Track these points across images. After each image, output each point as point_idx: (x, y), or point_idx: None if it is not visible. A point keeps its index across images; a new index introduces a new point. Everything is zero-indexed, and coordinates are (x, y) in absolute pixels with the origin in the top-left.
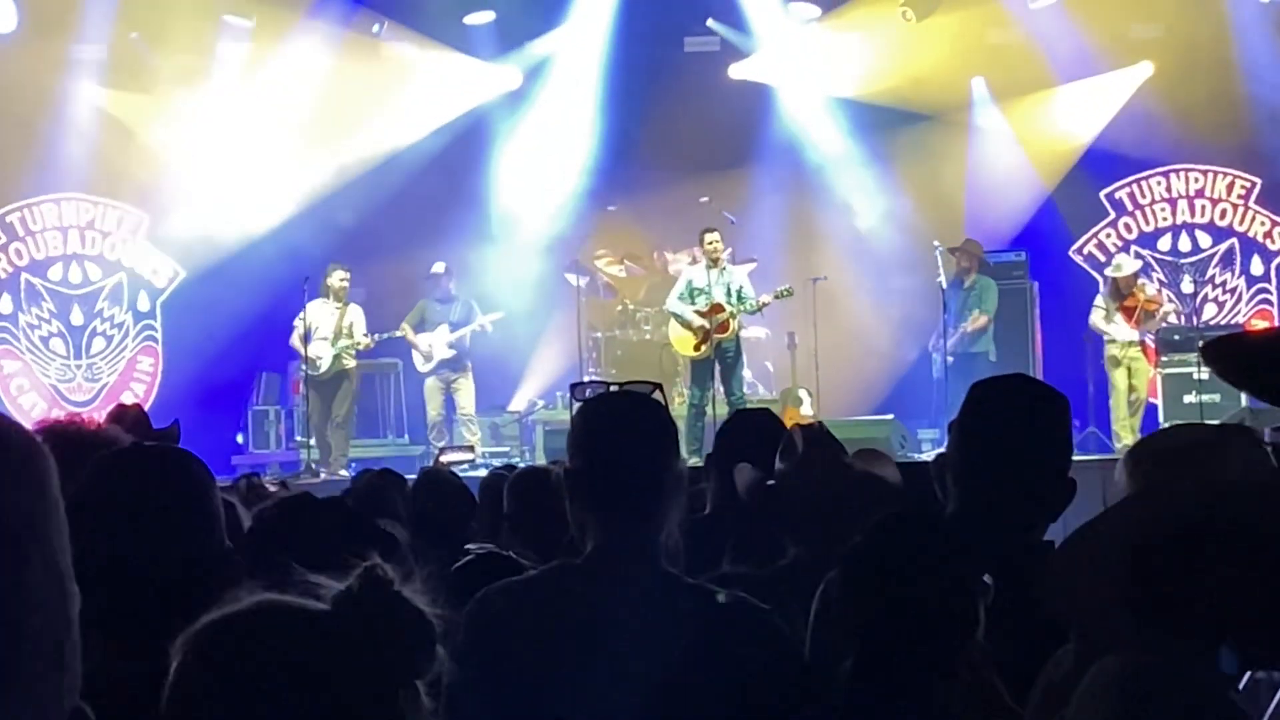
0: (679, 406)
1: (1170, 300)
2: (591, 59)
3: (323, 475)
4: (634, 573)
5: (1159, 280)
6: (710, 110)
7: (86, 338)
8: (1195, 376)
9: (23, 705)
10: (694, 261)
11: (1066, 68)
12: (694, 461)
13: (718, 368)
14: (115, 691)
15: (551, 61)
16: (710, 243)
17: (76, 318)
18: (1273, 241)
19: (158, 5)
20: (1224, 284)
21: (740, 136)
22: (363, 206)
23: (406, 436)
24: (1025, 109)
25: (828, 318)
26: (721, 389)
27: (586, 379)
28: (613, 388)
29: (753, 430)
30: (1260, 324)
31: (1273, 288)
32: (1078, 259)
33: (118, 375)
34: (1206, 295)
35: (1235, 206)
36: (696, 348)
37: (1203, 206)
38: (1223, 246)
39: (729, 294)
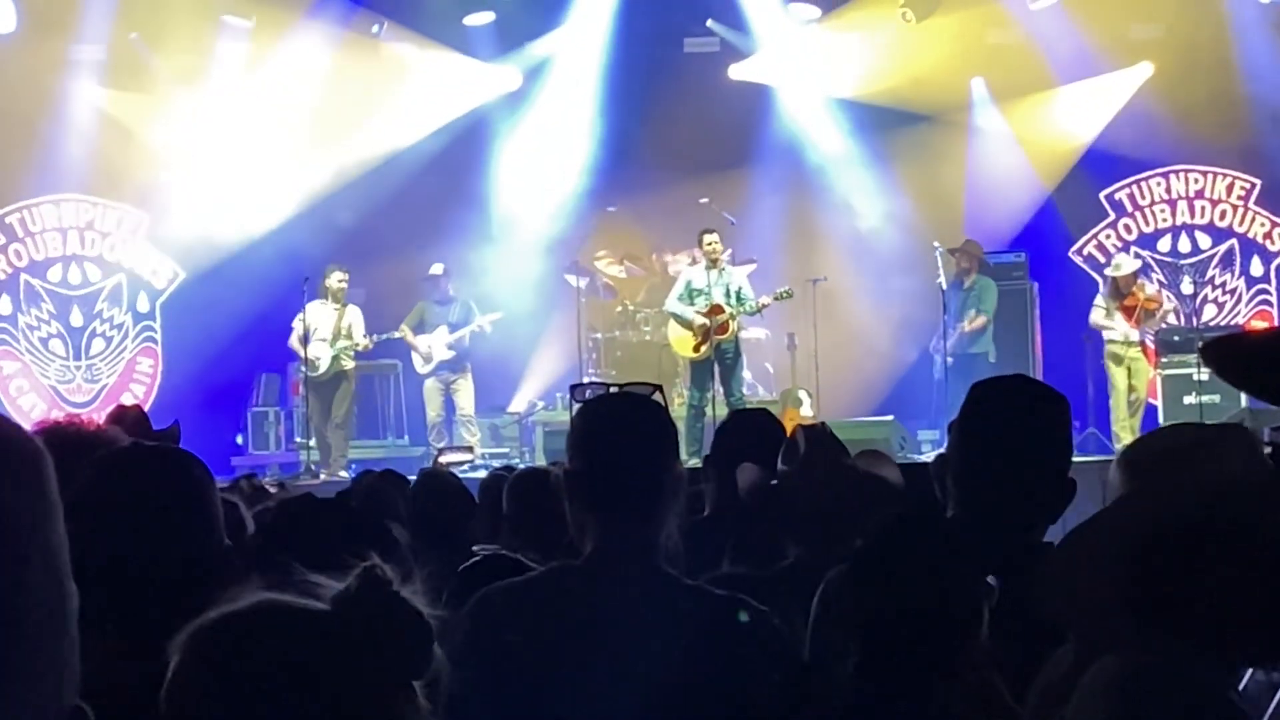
0: (678, 408)
1: (1170, 299)
2: (591, 60)
3: (322, 476)
4: (633, 574)
5: (1159, 281)
6: (710, 111)
7: (86, 339)
8: (1195, 377)
9: (22, 703)
10: (694, 262)
11: (1066, 68)
12: (693, 463)
13: (717, 369)
14: (115, 691)
15: (551, 62)
16: (709, 244)
17: (76, 319)
18: (1272, 242)
19: (157, 6)
20: (1224, 285)
21: (740, 137)
22: (362, 207)
23: (406, 437)
24: (1025, 110)
25: (827, 318)
26: (721, 390)
27: (586, 380)
28: (612, 389)
29: (751, 431)
30: (1260, 324)
31: (1272, 289)
32: (1077, 260)
33: (117, 376)
34: (1206, 296)
35: (1235, 207)
36: (696, 349)
37: (1203, 207)
38: (1222, 247)
39: (728, 295)
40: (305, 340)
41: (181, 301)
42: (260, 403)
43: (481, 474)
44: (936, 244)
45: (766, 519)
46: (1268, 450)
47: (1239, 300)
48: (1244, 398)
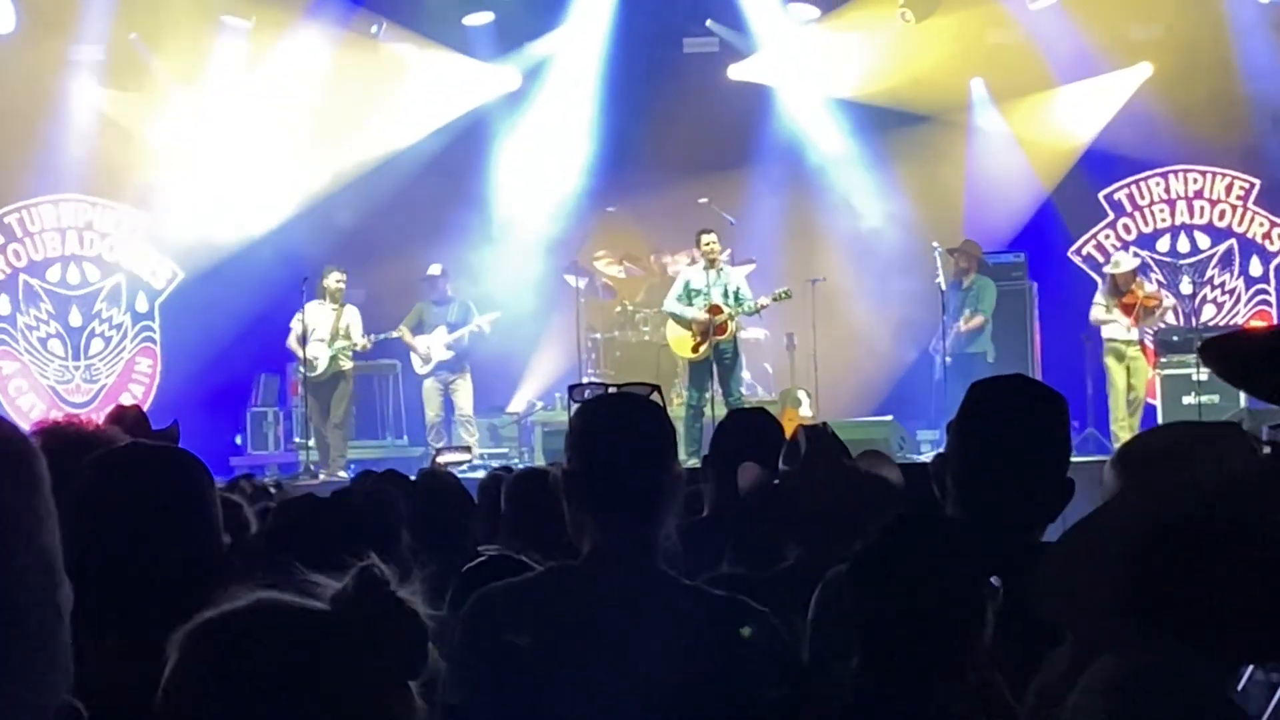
0: (677, 408)
1: (1169, 297)
2: (590, 60)
3: (321, 476)
4: (632, 574)
5: (1157, 281)
6: (709, 111)
7: (85, 339)
8: (1194, 378)
9: (19, 700)
10: (693, 262)
11: (1066, 68)
12: (692, 463)
13: (715, 369)
14: (114, 691)
15: (550, 62)
16: (707, 244)
17: (75, 319)
18: (1271, 242)
19: (156, 6)
20: (1223, 285)
21: (739, 137)
22: (362, 208)
23: (405, 438)
24: (1024, 110)
25: (827, 319)
26: (720, 390)
27: (585, 380)
28: (611, 389)
29: (750, 431)
30: (1259, 324)
31: (1271, 289)
32: (1077, 260)
33: (116, 376)
34: (1205, 296)
35: (1234, 207)
36: (694, 349)
37: (1201, 207)
38: (1221, 247)
39: (726, 295)
40: (303, 341)
41: (180, 302)
42: (259, 403)
43: (480, 474)
44: (936, 244)
45: (767, 519)
46: (1267, 449)
47: (1238, 300)
48: (1243, 397)
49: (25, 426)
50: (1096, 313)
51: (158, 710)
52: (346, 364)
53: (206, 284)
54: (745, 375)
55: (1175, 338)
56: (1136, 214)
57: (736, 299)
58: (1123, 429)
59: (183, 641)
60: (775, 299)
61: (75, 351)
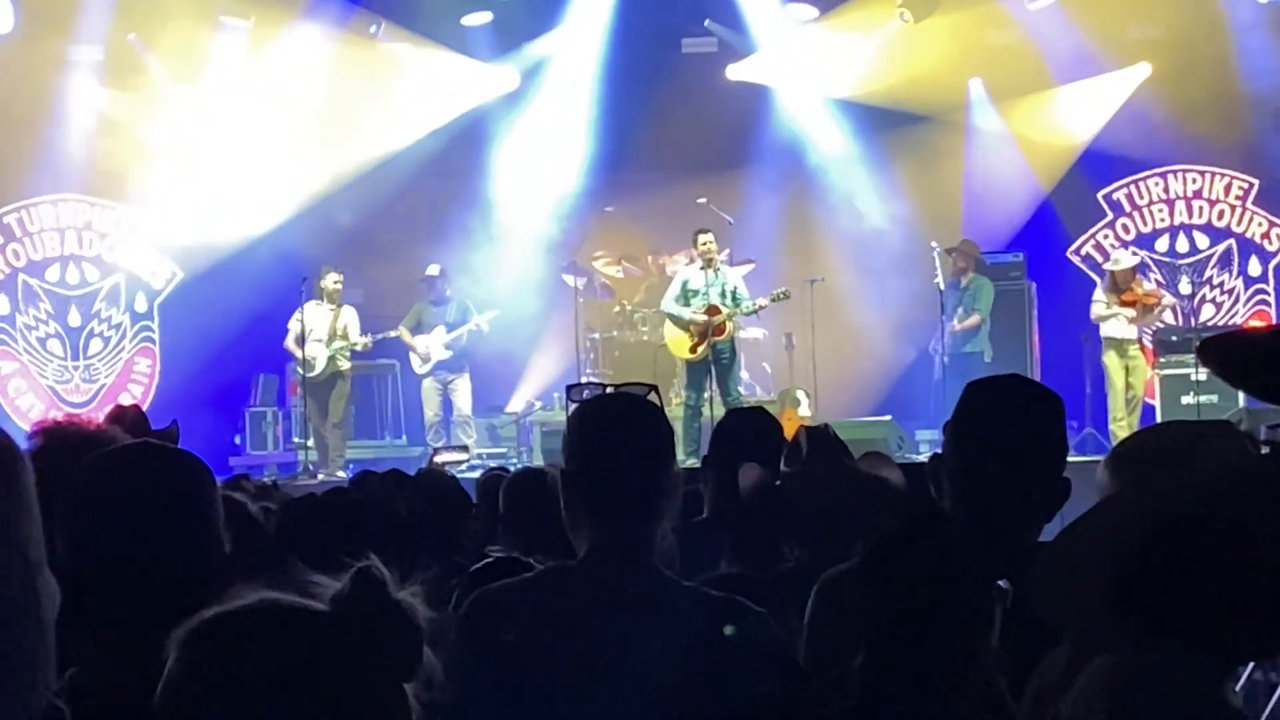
0: (675, 408)
1: (1168, 295)
2: (589, 60)
3: (320, 476)
4: (629, 575)
5: (1156, 281)
6: (708, 111)
7: (84, 339)
8: (1193, 377)
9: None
10: (690, 262)
11: (1064, 68)
12: (690, 463)
13: (713, 369)
14: (113, 691)
15: (549, 62)
16: (704, 244)
17: (74, 319)
18: (1270, 242)
19: (155, 6)
20: (1222, 285)
21: (738, 137)
22: (360, 208)
23: (404, 437)
24: (1023, 110)
25: (826, 319)
26: (718, 390)
27: (584, 380)
28: (609, 389)
29: (749, 431)
30: (1257, 324)
31: (1270, 288)
32: (1075, 260)
33: (115, 376)
34: (1204, 296)
35: (1233, 207)
36: (692, 349)
37: (1200, 207)
38: (1220, 247)
39: (724, 295)
40: (301, 341)
41: (179, 302)
42: (258, 403)
43: (476, 474)
44: (934, 244)
45: (768, 520)
46: (1265, 449)
47: (1237, 300)
48: (1242, 397)
49: (25, 426)
50: (1097, 309)
51: (156, 709)
52: (344, 364)
53: (205, 284)
54: (744, 375)
55: (1174, 337)
56: (1135, 214)
57: (734, 299)
58: (1121, 428)
59: (181, 640)
60: (774, 300)
61: (74, 351)
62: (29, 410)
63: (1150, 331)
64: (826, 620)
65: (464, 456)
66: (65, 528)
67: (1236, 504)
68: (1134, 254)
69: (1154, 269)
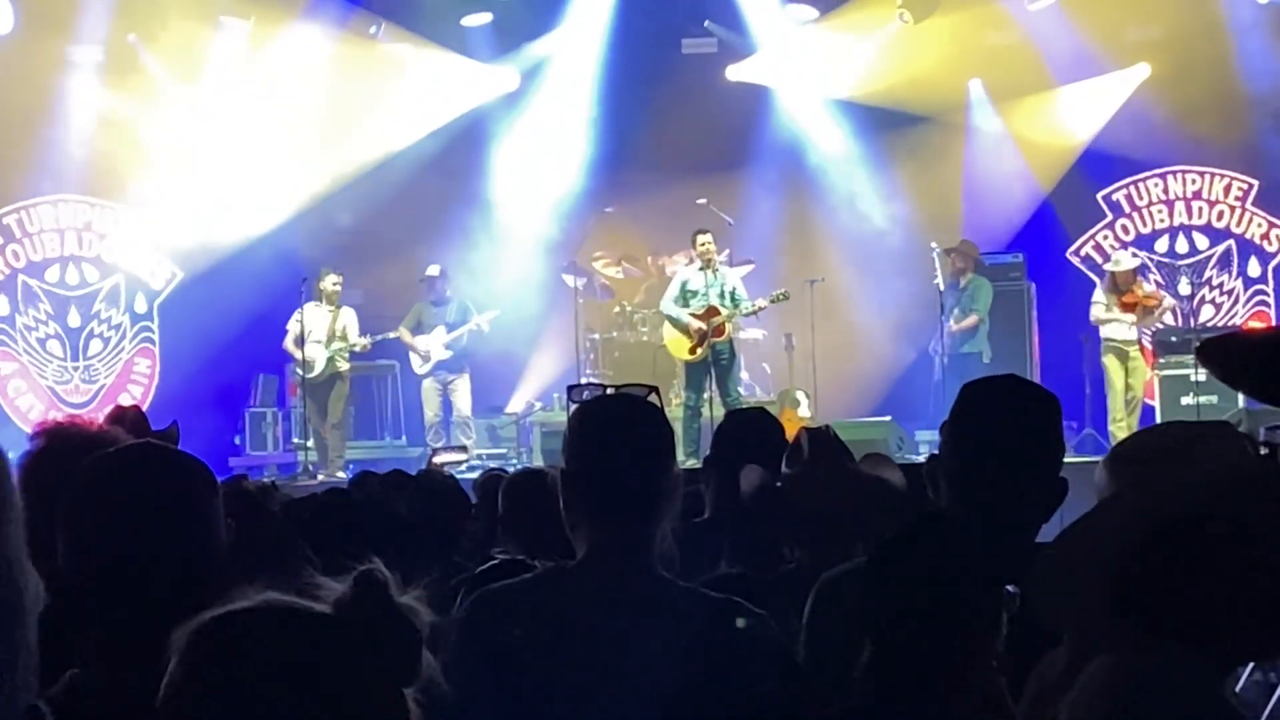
0: (675, 408)
1: (1168, 297)
2: (589, 60)
3: (320, 477)
4: (628, 576)
5: (1155, 282)
6: (708, 112)
7: (84, 339)
8: (1192, 378)
9: None
10: (690, 262)
11: (1064, 69)
12: (690, 464)
13: (712, 370)
14: (114, 691)
15: (549, 63)
16: (703, 244)
17: (74, 319)
18: (1270, 243)
19: (155, 6)
20: (1221, 286)
21: (738, 138)
22: (360, 208)
23: (404, 438)
24: (1023, 110)
25: (825, 319)
26: (717, 391)
27: (584, 381)
28: (609, 390)
29: (751, 432)
30: (1257, 325)
31: (1270, 289)
32: (1075, 261)
33: (115, 377)
34: (1204, 297)
35: (1233, 208)
36: (692, 350)
37: (1200, 208)
38: (1220, 248)
39: (723, 296)
40: (301, 342)
41: (179, 302)
42: (258, 403)
43: (475, 475)
44: (934, 244)
45: (769, 521)
46: (1264, 450)
47: (1236, 301)
48: (1241, 398)
49: (25, 427)
50: (1097, 311)
51: (159, 709)
52: (343, 365)
53: (205, 285)
54: (744, 376)
55: (1173, 338)
56: (1135, 214)
57: (733, 300)
58: (1121, 429)
59: (184, 641)
60: (773, 301)
61: (74, 352)
62: (29, 411)
63: (1150, 332)
64: (826, 620)
65: (463, 457)
66: (65, 528)
67: (1236, 505)
68: (1134, 255)
69: (1153, 270)
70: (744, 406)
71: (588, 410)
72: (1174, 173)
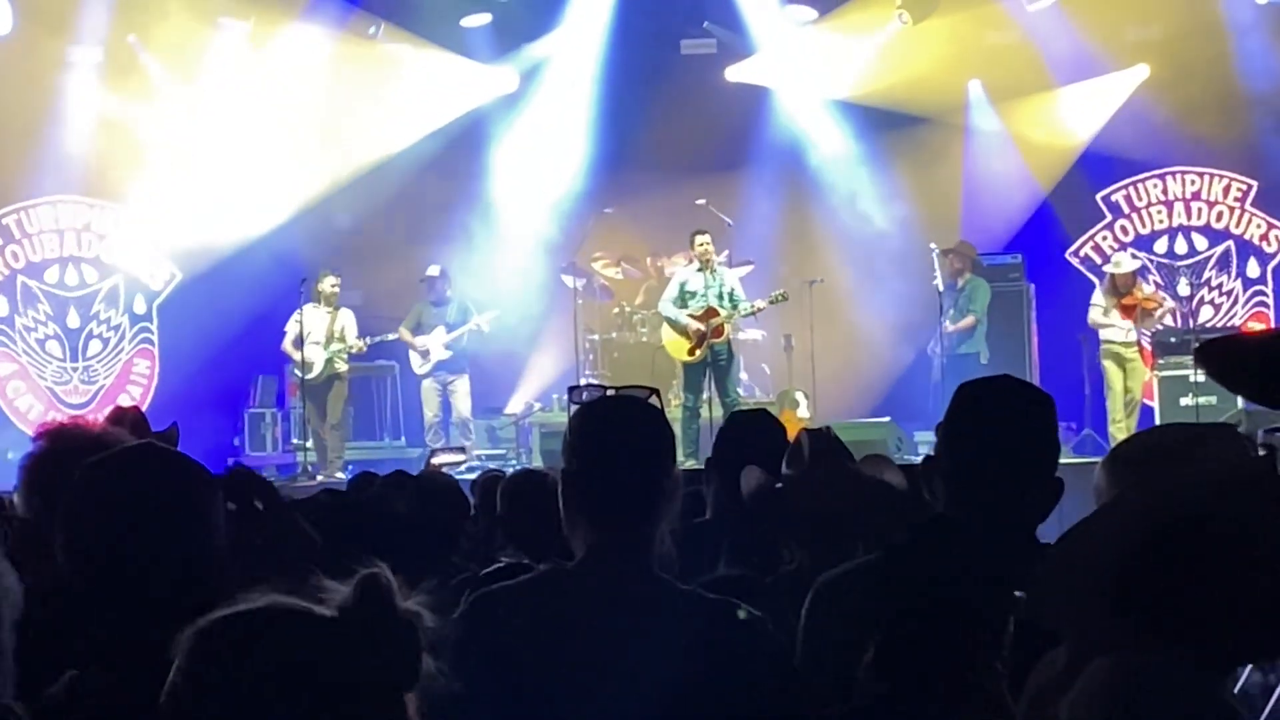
0: (674, 409)
1: (1168, 299)
2: (588, 61)
3: (319, 477)
4: (626, 577)
5: (1155, 283)
6: (707, 112)
7: (83, 340)
8: (1191, 379)
9: None
10: (689, 263)
11: (1063, 70)
12: (689, 464)
13: (711, 371)
14: (114, 691)
15: (548, 64)
16: (701, 244)
17: (73, 320)
18: (1269, 244)
19: (154, 7)
20: (1220, 286)
21: (737, 139)
22: (360, 209)
23: (403, 439)
24: (1022, 111)
25: (824, 320)
26: (716, 392)
27: (583, 382)
28: (610, 392)
29: (753, 433)
30: (1256, 326)
31: (1269, 290)
32: (1074, 261)
33: (114, 378)
34: (1203, 298)
35: (1232, 209)
36: (691, 352)
37: (1199, 209)
38: (1219, 249)
39: (721, 297)
40: (300, 343)
41: (178, 303)
42: (257, 404)
43: (474, 476)
44: (933, 245)
45: (770, 523)
46: (1262, 452)
47: (1235, 302)
48: (1240, 400)
49: (24, 427)
50: (1094, 315)
51: (161, 707)
52: (342, 366)
53: (204, 285)
54: (743, 376)
55: (1173, 339)
56: (1134, 215)
57: (731, 301)
58: (1120, 431)
59: (189, 641)
60: (772, 302)
61: (73, 353)
62: (28, 411)
63: (1149, 334)
64: (824, 621)
65: (461, 458)
66: (65, 529)
67: (1236, 505)
68: (1134, 257)
69: (1153, 271)
70: (745, 408)
71: (589, 411)
72: (1173, 173)
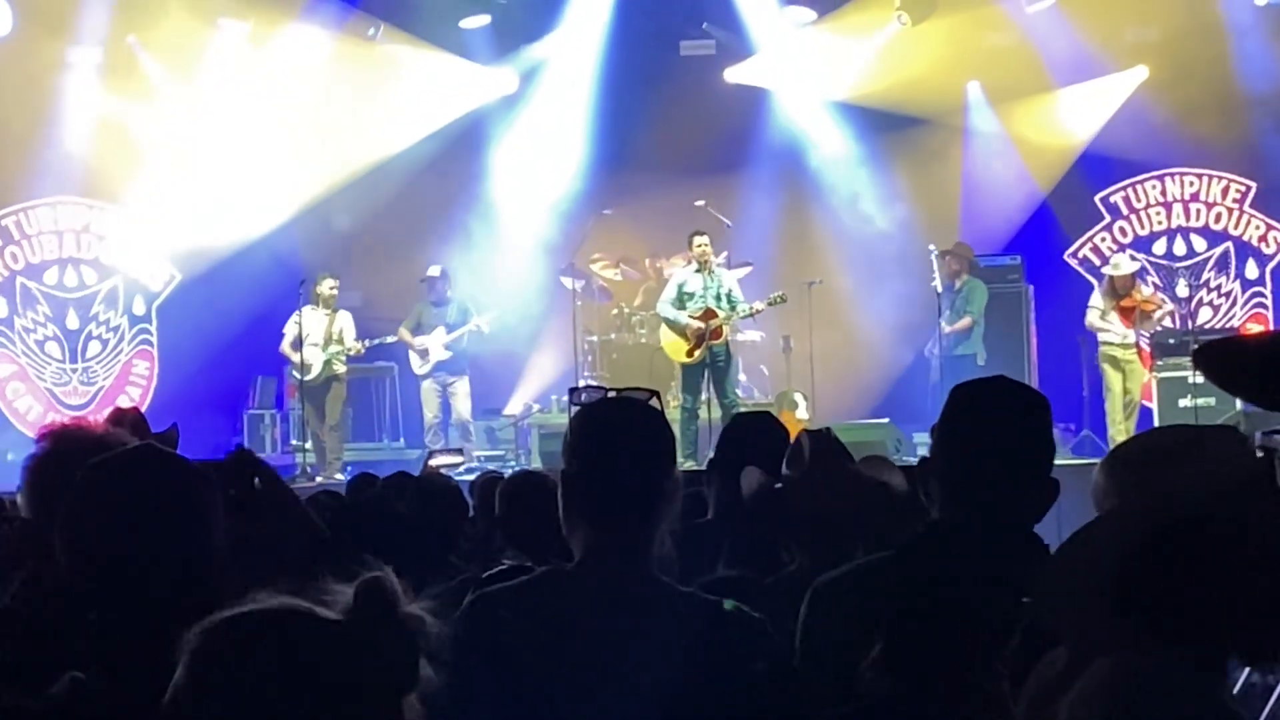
0: (673, 410)
1: (1167, 301)
2: (587, 62)
3: (319, 479)
4: (625, 579)
5: (1154, 284)
6: (706, 114)
7: (82, 341)
8: (1190, 380)
9: None
10: (688, 263)
11: (1062, 71)
12: (688, 465)
13: (709, 373)
14: (113, 692)
15: (547, 65)
16: (699, 245)
17: (72, 321)
18: (1267, 245)
19: (153, 8)
20: (1219, 288)
21: (736, 140)
22: (359, 210)
23: (402, 440)
24: (1021, 112)
25: (823, 321)
26: (714, 393)
27: (582, 383)
28: (611, 393)
29: (757, 434)
30: (1255, 328)
31: (1268, 291)
32: (1073, 263)
33: (113, 379)
34: (1201, 299)
35: (1230, 210)
36: (689, 353)
37: (1198, 210)
38: (1218, 250)
39: (719, 298)
40: (299, 345)
41: (177, 304)
42: (256, 405)
43: (473, 477)
44: (932, 246)
45: (769, 524)
46: (1260, 454)
47: (1234, 303)
48: (1238, 401)
49: (23, 428)
50: (1091, 317)
51: (166, 706)
52: (340, 368)
53: (203, 287)
54: (742, 378)
55: (1171, 341)
56: (1133, 216)
57: (729, 302)
58: (1119, 433)
59: (195, 640)
60: (770, 303)
61: (72, 354)
62: (27, 413)
63: (1148, 335)
64: (823, 622)
65: (459, 459)
66: (65, 530)
67: (1235, 506)
68: (1133, 259)
69: (1151, 272)
70: (746, 409)
71: (590, 412)
72: (1172, 175)
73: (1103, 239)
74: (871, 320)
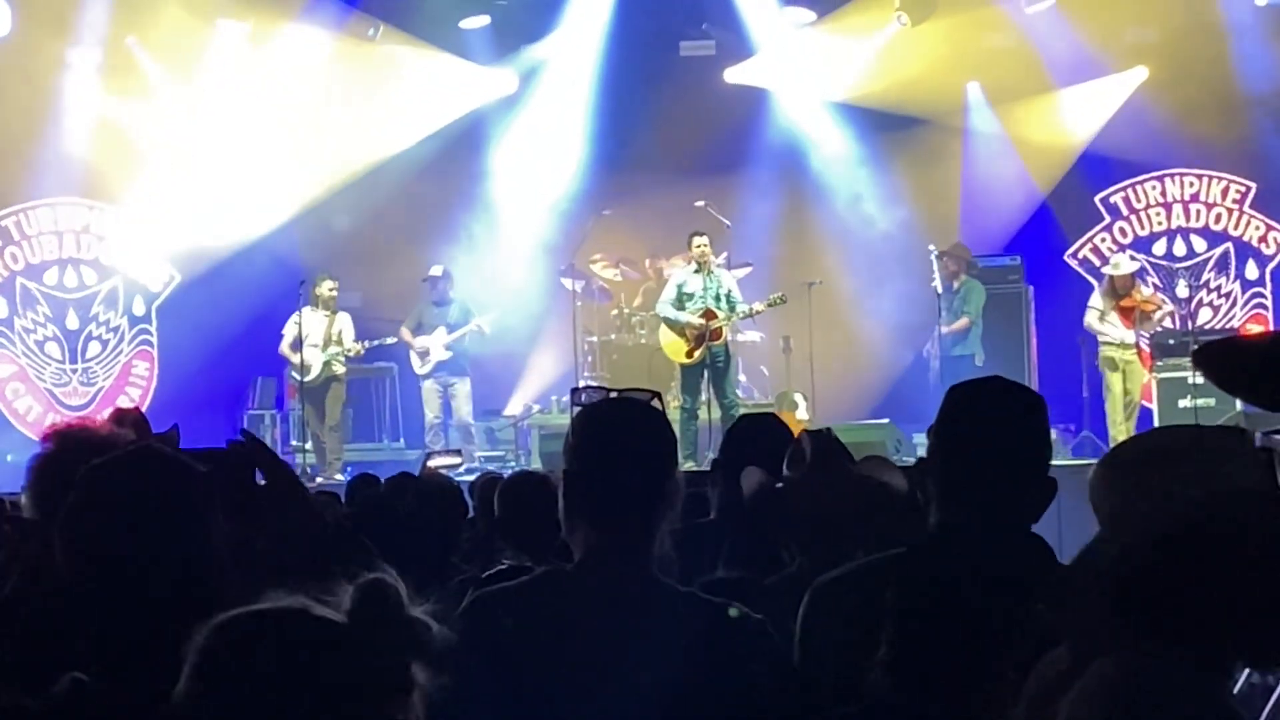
0: (672, 411)
1: (1167, 301)
2: (587, 63)
3: (319, 479)
4: (625, 579)
5: (1153, 285)
6: (706, 114)
7: (82, 342)
8: (1190, 381)
9: None
10: (687, 264)
11: (1062, 72)
12: (687, 465)
13: (709, 373)
14: (113, 692)
15: (547, 65)
16: (698, 246)
17: (72, 322)
18: (1267, 246)
19: (153, 9)
20: (1219, 288)
21: (736, 140)
22: (359, 211)
23: (402, 440)
24: (1020, 113)
25: (823, 322)
26: (714, 394)
27: (582, 384)
28: (612, 394)
29: (761, 435)
30: (1254, 328)
31: (1267, 292)
32: (1073, 263)
33: (113, 379)
34: (1201, 300)
35: (1230, 211)
36: (689, 354)
37: (1198, 211)
38: (1218, 251)
39: (718, 299)
40: (298, 345)
41: (177, 305)
42: (256, 406)
43: (472, 478)
44: (931, 247)
45: (770, 524)
46: (1260, 455)
47: (1234, 304)
48: (1238, 402)
49: (23, 429)
50: (1090, 319)
51: (174, 704)
52: (340, 369)
53: (203, 287)
54: (742, 378)
55: (1171, 341)
56: (1132, 217)
57: (729, 303)
58: (1120, 433)
59: (202, 638)
60: (770, 304)
61: (72, 354)
62: (27, 413)
63: (1148, 336)
64: (822, 622)
65: (457, 460)
66: (66, 531)
67: (1235, 507)
68: (1132, 259)
69: (1151, 273)
70: (746, 410)
71: (591, 413)
72: (1172, 175)
73: (1103, 240)
74: (871, 321)
